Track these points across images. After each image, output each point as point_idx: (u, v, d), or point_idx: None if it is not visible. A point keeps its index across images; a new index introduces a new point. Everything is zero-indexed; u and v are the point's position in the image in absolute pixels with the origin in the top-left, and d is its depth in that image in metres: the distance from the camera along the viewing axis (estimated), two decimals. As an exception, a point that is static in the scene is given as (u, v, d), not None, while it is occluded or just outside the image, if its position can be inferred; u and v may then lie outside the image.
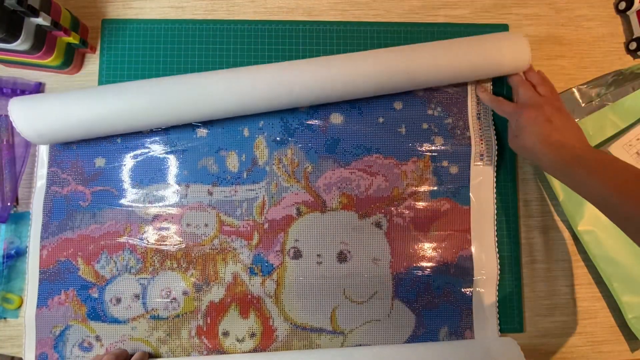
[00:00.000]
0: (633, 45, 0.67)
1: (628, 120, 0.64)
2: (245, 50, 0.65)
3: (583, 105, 0.65)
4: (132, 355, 0.59)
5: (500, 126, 0.65)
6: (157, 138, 0.63)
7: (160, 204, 0.62)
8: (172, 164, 0.63)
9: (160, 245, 0.62)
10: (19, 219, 0.63)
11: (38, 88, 0.64)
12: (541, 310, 0.65)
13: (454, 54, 0.58)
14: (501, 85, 0.66)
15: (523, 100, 0.59)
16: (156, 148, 0.63)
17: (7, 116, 0.64)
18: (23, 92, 0.64)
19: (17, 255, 0.63)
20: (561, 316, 0.65)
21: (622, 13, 0.68)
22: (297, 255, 0.62)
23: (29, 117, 0.55)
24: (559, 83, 0.66)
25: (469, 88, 0.65)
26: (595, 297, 0.65)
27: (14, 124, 0.55)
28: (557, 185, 0.64)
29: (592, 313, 0.65)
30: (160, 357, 0.61)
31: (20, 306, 0.62)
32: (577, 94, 0.65)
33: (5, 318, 0.63)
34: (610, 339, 0.65)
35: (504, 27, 0.67)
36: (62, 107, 0.55)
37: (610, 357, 0.65)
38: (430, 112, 0.64)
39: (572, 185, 0.53)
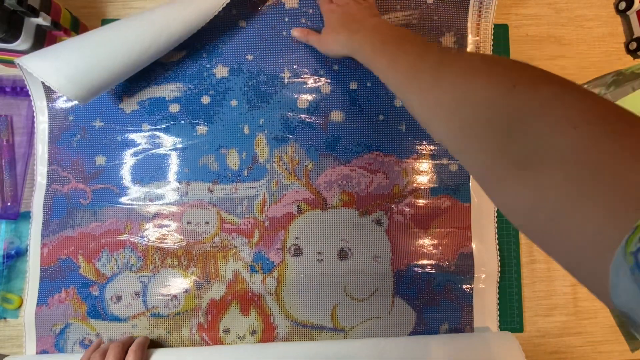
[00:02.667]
0: (633, 45, 0.67)
1: (628, 120, 0.64)
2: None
3: (583, 105, 0.65)
4: None
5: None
6: (157, 136, 0.63)
7: (161, 201, 0.62)
8: (173, 162, 0.63)
9: (161, 243, 0.62)
10: (19, 218, 0.63)
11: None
12: (541, 310, 0.65)
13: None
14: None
15: (324, 12, 0.60)
16: (157, 146, 0.63)
17: (7, 116, 0.64)
18: (23, 91, 0.64)
19: (17, 255, 0.63)
20: (561, 316, 0.65)
21: (622, 13, 0.68)
22: (298, 252, 0.62)
23: (59, 68, 0.53)
24: (559, 83, 0.66)
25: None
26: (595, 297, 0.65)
27: (48, 84, 0.52)
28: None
29: (592, 313, 0.65)
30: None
31: (20, 306, 0.62)
32: (577, 94, 0.65)
33: (5, 318, 0.62)
34: (610, 339, 0.65)
35: (504, 27, 0.67)
36: (81, 48, 0.54)
37: (610, 357, 0.65)
38: (430, 109, 0.64)
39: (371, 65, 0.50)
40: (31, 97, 0.62)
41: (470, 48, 0.64)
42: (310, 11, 0.64)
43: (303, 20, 0.64)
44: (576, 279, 0.29)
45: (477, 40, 0.64)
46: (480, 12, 0.63)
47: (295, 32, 0.63)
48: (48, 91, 0.62)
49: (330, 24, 0.57)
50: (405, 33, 0.48)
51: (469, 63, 0.38)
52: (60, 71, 0.52)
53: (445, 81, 0.37)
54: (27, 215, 0.63)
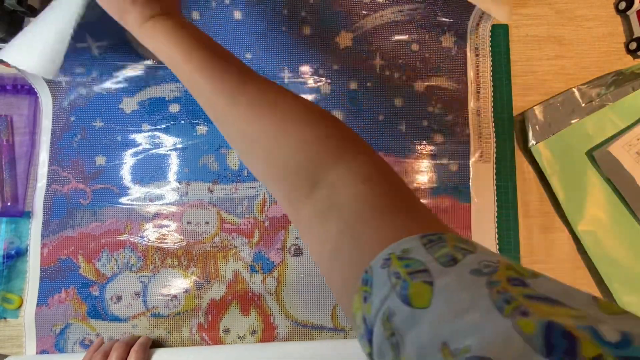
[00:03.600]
0: (633, 45, 0.67)
1: (628, 120, 0.64)
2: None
3: (583, 105, 0.65)
4: None
5: (500, 125, 0.65)
6: (157, 136, 0.63)
7: (161, 201, 0.62)
8: (173, 162, 0.63)
9: (161, 243, 0.62)
10: (19, 218, 0.63)
11: (39, 87, 0.64)
12: (541, 309, 0.64)
13: None
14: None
15: None
16: (157, 146, 0.63)
17: (7, 116, 0.64)
18: (23, 89, 0.64)
19: (17, 255, 0.63)
20: (561, 315, 0.65)
21: (622, 13, 0.68)
22: (298, 252, 0.62)
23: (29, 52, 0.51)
24: (558, 83, 0.66)
25: (469, 85, 0.65)
26: (596, 296, 0.65)
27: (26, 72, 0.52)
28: (557, 185, 0.64)
29: (592, 312, 0.65)
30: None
31: (20, 306, 0.62)
32: (577, 94, 0.65)
33: (5, 318, 0.62)
34: (610, 338, 0.65)
35: (504, 27, 0.67)
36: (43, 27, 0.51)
37: (611, 357, 0.65)
38: (430, 109, 0.64)
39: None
40: (39, 98, 0.63)
41: (469, 48, 0.64)
42: (311, 1, 0.64)
43: (303, 14, 0.63)
44: None
45: (476, 41, 0.64)
46: (482, 11, 0.63)
47: None
48: (54, 92, 0.62)
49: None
50: (216, 48, 0.42)
51: (291, 104, 0.39)
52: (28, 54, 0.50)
53: (264, 120, 0.38)
54: (27, 215, 0.63)
